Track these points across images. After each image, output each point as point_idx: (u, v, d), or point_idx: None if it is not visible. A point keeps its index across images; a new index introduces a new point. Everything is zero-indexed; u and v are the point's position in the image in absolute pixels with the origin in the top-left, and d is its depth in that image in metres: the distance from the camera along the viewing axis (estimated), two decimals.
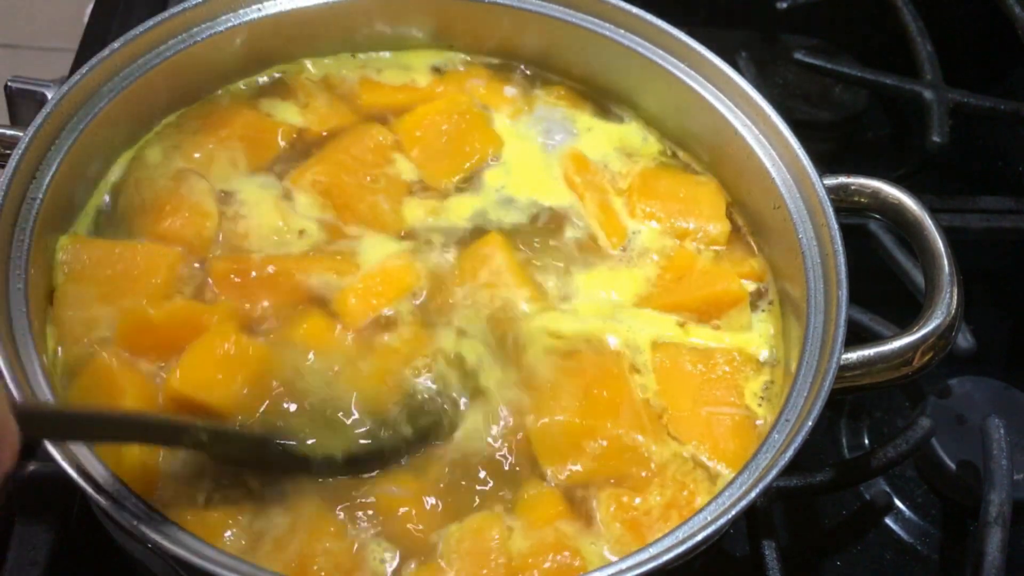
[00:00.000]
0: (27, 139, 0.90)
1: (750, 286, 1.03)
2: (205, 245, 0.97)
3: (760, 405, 0.95)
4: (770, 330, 1.01)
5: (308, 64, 1.14)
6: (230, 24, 1.06)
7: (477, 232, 1.03)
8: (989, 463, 1.06)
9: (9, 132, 0.91)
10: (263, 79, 1.12)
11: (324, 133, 1.08)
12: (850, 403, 1.24)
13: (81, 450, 0.77)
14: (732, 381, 0.96)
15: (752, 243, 1.07)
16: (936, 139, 1.36)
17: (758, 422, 0.94)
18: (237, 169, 1.03)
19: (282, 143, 1.07)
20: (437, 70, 1.16)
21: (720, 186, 1.10)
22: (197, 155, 1.03)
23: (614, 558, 0.83)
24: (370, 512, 0.85)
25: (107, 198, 1.00)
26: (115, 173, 1.02)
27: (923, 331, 0.90)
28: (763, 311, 1.02)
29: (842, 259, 0.93)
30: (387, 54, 1.16)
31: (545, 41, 1.14)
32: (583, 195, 1.07)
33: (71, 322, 0.90)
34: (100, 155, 1.00)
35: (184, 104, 1.08)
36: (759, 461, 0.83)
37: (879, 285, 1.16)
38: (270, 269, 0.96)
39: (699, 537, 0.77)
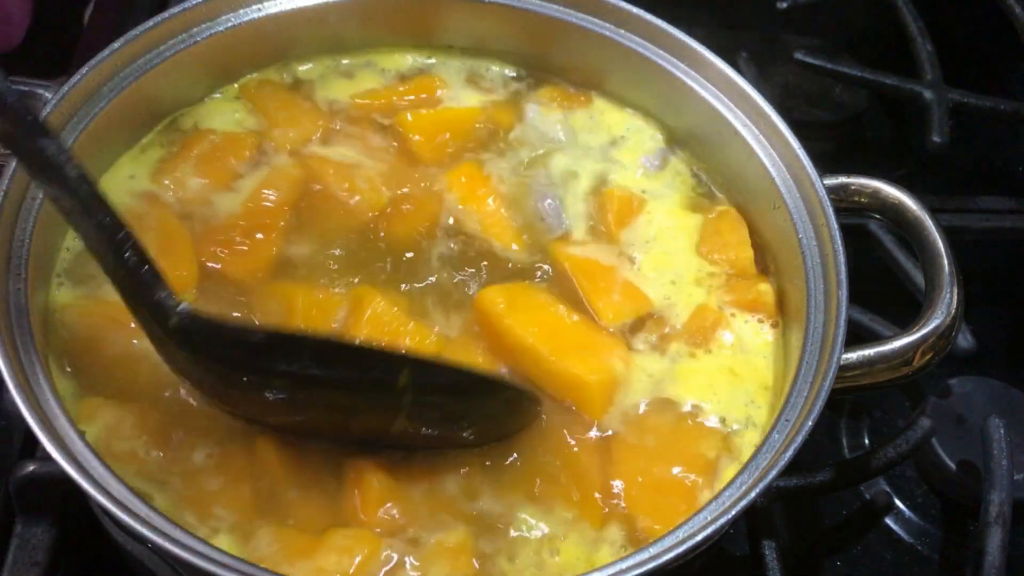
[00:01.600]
0: None
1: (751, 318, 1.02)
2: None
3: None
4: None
5: (308, 65, 1.14)
6: (230, 24, 1.06)
7: None
8: (989, 463, 1.06)
9: None
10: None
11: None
12: (850, 403, 1.24)
13: (81, 450, 0.77)
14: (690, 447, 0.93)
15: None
16: (936, 139, 1.36)
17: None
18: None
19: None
20: (436, 71, 1.17)
21: (739, 215, 1.08)
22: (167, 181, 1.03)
23: None
24: None
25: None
26: (115, 175, 1.02)
27: (923, 331, 0.90)
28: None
29: (842, 259, 0.93)
30: (386, 55, 1.16)
31: (544, 41, 1.14)
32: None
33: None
34: (100, 155, 1.00)
35: (185, 104, 1.08)
36: (759, 461, 0.83)
37: (879, 285, 1.16)
38: None
39: (699, 537, 0.77)
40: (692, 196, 1.10)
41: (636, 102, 1.15)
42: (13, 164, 0.88)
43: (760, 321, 1.01)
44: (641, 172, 1.11)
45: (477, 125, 1.12)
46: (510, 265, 1.02)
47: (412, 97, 1.14)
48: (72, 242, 0.96)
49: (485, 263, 1.02)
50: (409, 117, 1.10)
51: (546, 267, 1.02)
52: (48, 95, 0.95)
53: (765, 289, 1.02)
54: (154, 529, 0.73)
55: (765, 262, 1.05)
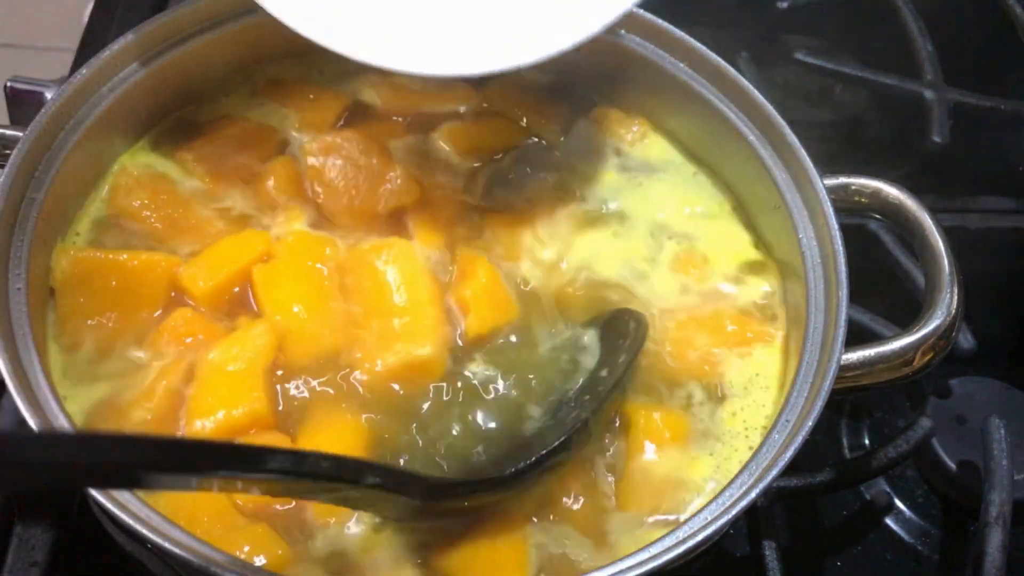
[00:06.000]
0: (27, 139, 0.90)
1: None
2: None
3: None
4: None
5: (323, 64, 1.14)
6: (230, 24, 1.06)
7: None
8: (989, 463, 1.06)
9: (9, 132, 0.91)
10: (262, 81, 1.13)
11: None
12: (850, 403, 1.24)
13: None
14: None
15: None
16: (936, 139, 1.36)
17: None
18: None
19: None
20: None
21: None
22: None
23: None
24: None
25: (106, 193, 1.01)
26: (114, 173, 1.02)
27: (923, 331, 0.90)
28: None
29: (842, 259, 0.93)
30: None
31: None
32: None
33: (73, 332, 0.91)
34: (100, 155, 1.00)
35: (185, 104, 1.08)
36: (759, 461, 0.83)
37: (879, 285, 1.16)
38: None
39: (699, 537, 0.77)
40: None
41: (635, 102, 1.15)
42: (12, 164, 0.88)
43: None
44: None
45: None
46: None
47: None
48: (72, 244, 0.97)
49: None
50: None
51: None
52: (48, 95, 0.95)
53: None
54: (154, 529, 0.73)
55: (765, 262, 1.05)
